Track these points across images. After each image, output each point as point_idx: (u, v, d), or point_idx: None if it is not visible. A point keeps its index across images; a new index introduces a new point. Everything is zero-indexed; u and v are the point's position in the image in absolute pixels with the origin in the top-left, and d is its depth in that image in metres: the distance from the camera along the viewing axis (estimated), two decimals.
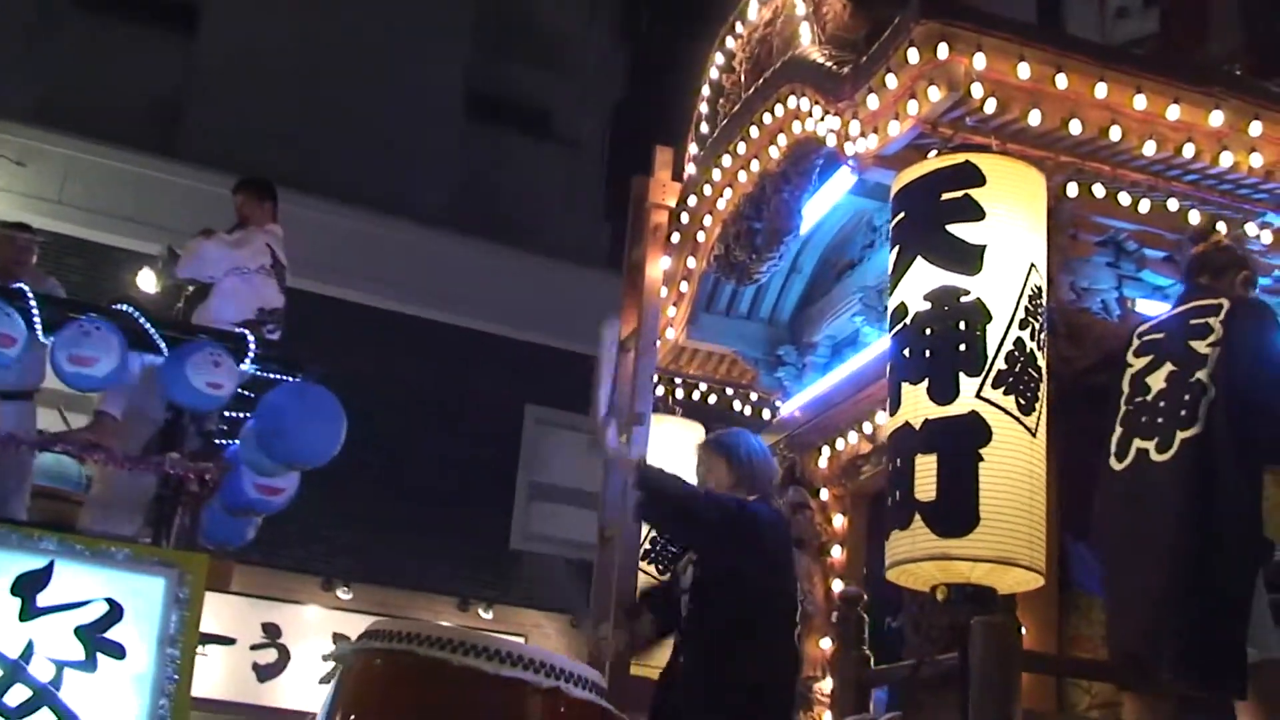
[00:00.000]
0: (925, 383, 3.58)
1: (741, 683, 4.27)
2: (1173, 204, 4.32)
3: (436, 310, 13.82)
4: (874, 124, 4.17)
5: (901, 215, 3.83)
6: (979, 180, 3.70)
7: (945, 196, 3.71)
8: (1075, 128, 4.02)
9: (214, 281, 6.18)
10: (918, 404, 3.58)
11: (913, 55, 3.91)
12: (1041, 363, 3.63)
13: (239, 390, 5.16)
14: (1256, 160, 4.19)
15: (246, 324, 5.72)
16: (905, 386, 3.64)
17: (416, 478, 13.40)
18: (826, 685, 5.32)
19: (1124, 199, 4.30)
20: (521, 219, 15.77)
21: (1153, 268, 4.60)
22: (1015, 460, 3.48)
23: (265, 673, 12.13)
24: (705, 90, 5.99)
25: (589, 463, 14.46)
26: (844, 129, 4.29)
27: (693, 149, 6.12)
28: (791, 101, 4.79)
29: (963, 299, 3.61)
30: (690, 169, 6.10)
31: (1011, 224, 3.68)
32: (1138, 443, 3.85)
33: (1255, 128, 4.15)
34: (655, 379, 5.97)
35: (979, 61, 3.87)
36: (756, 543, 4.32)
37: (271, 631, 12.30)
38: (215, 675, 11.68)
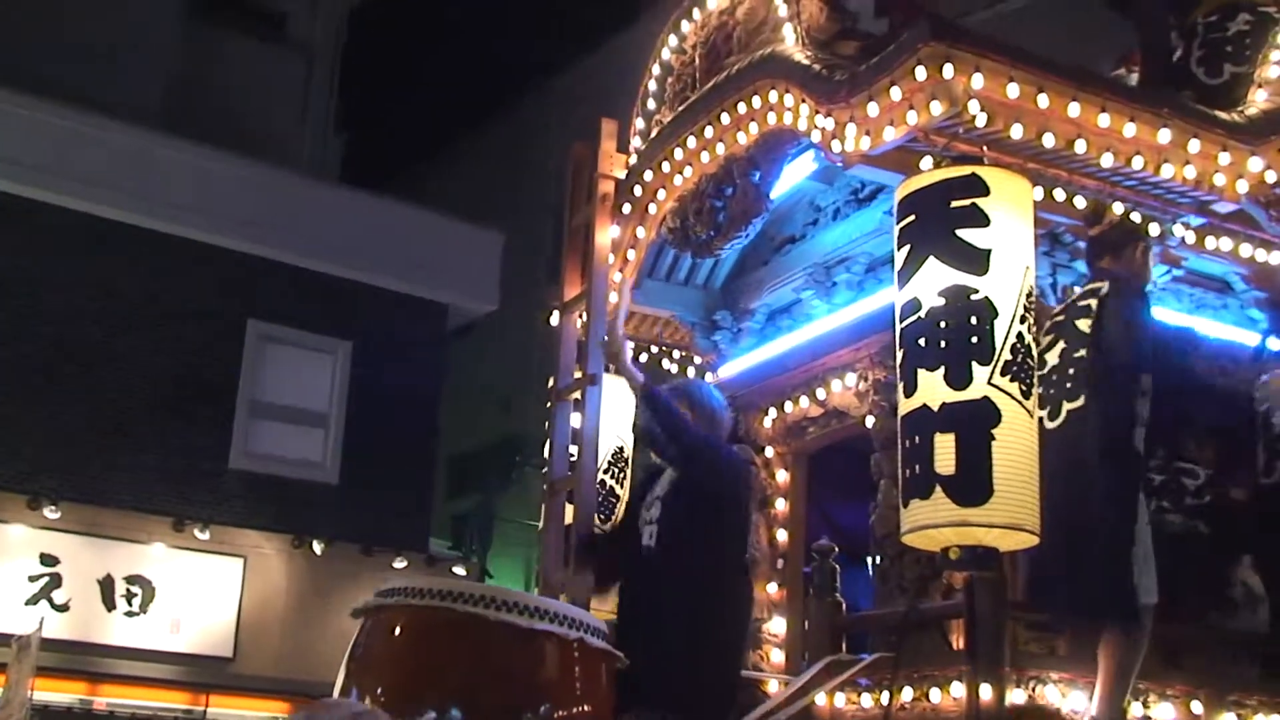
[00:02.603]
0: (942, 370, 4.07)
1: (720, 612, 4.78)
2: (1117, 207, 4.93)
3: (154, 218, 13.32)
4: (868, 128, 4.61)
5: (911, 218, 4.29)
6: (984, 190, 4.19)
7: (954, 204, 4.19)
8: (1048, 140, 4.54)
9: None
10: (934, 388, 4.07)
11: (920, 73, 4.35)
12: (1035, 352, 4.17)
13: None
14: (1190, 172, 4.80)
15: None
16: (922, 372, 4.12)
17: (130, 393, 13.07)
18: (773, 625, 5.86)
19: (1079, 202, 4.88)
20: (248, 125, 15.33)
21: (1083, 257, 5.22)
22: (1020, 439, 4.02)
23: None
24: (655, 69, 6.32)
25: (313, 382, 14.49)
26: (839, 130, 4.72)
27: (639, 123, 6.46)
28: (772, 96, 5.18)
29: (973, 296, 4.10)
30: (636, 142, 6.44)
31: (1011, 230, 4.19)
32: (1038, 413, 4.49)
33: (1193, 145, 4.76)
34: None
35: (976, 81, 4.34)
36: (728, 475, 4.90)
37: None
38: None
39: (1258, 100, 5.11)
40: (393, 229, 15.01)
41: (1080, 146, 4.61)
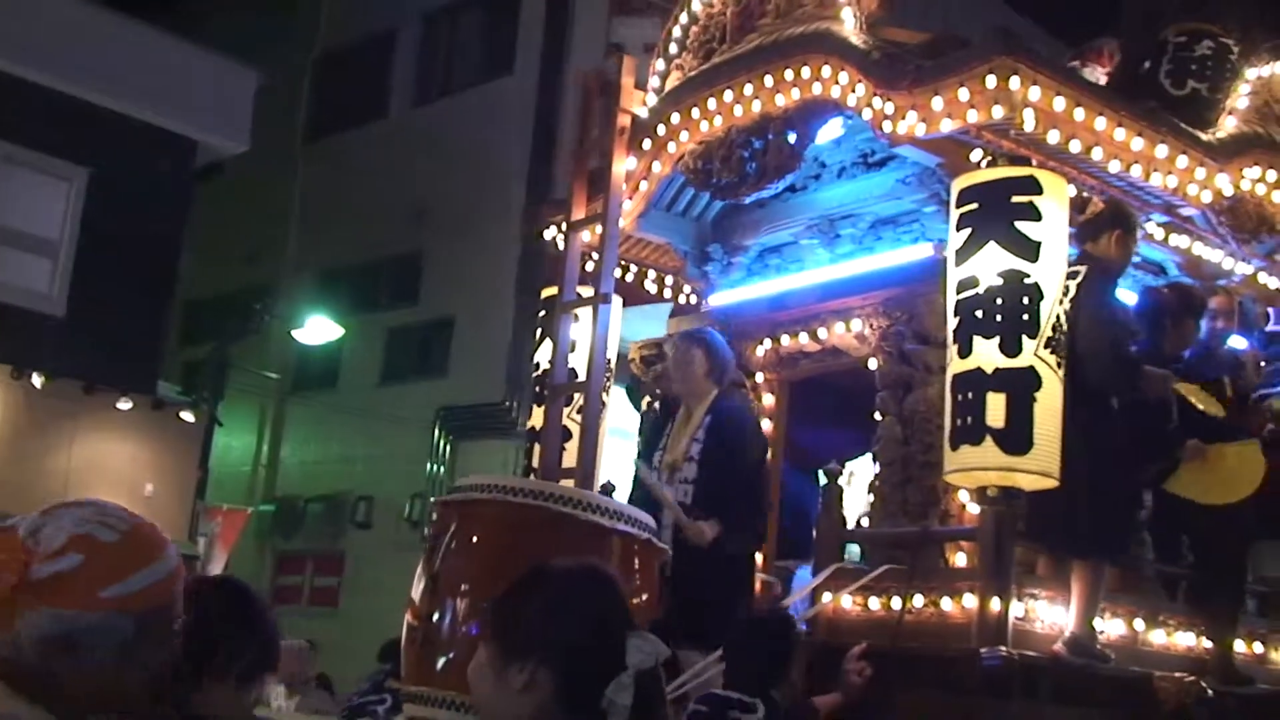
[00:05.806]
0: (997, 339, 4.89)
1: (754, 537, 5.60)
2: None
3: None
4: (926, 117, 5.33)
5: (974, 206, 5.08)
6: (1039, 190, 5.01)
7: (1014, 199, 5.00)
8: (1074, 146, 5.36)
9: None
10: (989, 354, 4.90)
11: (990, 80, 5.08)
12: (1066, 329, 5.03)
13: None
14: (1172, 181, 5.70)
15: None
16: (977, 339, 4.93)
17: None
18: None
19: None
20: None
21: (1072, 242, 6.10)
22: (1053, 401, 4.88)
23: None
24: (683, 17, 6.87)
25: (45, 208, 13.28)
26: (897, 113, 5.42)
27: (659, 65, 7.01)
28: (825, 70, 5.83)
29: (1025, 280, 4.93)
30: (654, 81, 6.99)
31: (1056, 224, 5.03)
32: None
33: (1181, 160, 5.67)
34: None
35: (1033, 93, 5.11)
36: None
37: None
38: None
39: (1227, 125, 6.05)
40: (142, 54, 14.15)
41: (1096, 153, 5.44)
